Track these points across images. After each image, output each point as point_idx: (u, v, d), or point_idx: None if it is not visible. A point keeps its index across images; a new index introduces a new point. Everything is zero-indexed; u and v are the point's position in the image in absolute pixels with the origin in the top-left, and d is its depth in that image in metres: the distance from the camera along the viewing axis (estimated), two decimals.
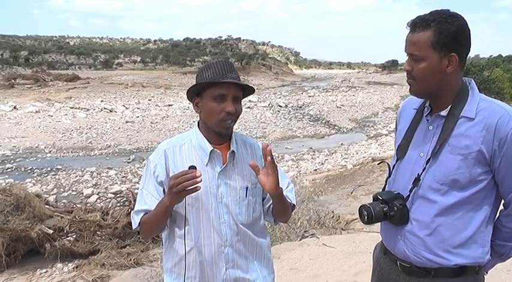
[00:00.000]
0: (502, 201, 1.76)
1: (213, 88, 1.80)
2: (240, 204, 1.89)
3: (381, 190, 1.93)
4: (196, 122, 1.96)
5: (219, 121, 1.82)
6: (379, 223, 1.97)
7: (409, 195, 1.76)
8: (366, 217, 1.78)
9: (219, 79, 1.79)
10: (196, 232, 1.85)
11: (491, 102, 1.69)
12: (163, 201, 1.73)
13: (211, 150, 1.86)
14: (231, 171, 1.89)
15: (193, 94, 1.88)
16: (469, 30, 1.67)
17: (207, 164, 1.86)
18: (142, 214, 1.85)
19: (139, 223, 1.85)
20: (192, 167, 1.65)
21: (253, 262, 1.96)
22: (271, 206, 1.99)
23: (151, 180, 1.87)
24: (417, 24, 1.66)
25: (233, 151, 1.90)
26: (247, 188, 1.91)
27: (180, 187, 1.61)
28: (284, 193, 1.93)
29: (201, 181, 1.62)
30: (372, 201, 1.85)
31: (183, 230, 1.84)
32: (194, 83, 1.85)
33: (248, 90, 1.90)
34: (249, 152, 1.97)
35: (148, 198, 1.84)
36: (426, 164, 1.72)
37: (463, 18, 1.66)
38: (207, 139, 1.88)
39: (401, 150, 1.85)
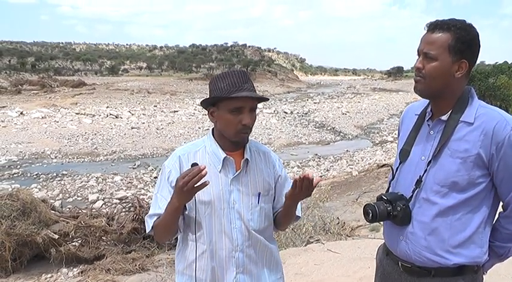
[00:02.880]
0: (501, 203, 1.80)
1: (230, 101, 1.82)
2: (252, 210, 1.93)
3: None
4: (211, 129, 2.00)
5: (236, 133, 1.85)
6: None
7: (411, 196, 1.81)
8: (370, 215, 1.82)
9: (236, 92, 1.81)
10: (209, 236, 1.88)
11: (489, 109, 1.76)
12: (173, 202, 1.75)
13: (225, 157, 1.90)
14: (244, 178, 1.93)
15: (208, 104, 1.91)
16: (480, 42, 1.75)
17: (220, 170, 1.90)
18: (155, 218, 1.88)
19: (152, 227, 1.89)
20: (194, 164, 1.68)
21: (263, 268, 1.99)
22: (276, 214, 2.05)
23: (165, 185, 1.90)
24: (438, 26, 1.73)
25: (247, 159, 1.93)
26: (259, 194, 1.94)
27: (190, 184, 1.64)
28: None
29: (206, 174, 1.63)
30: (376, 201, 1.89)
31: (196, 234, 1.88)
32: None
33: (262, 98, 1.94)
34: (262, 159, 2.01)
35: (162, 203, 1.87)
36: (427, 167, 1.77)
37: (477, 30, 1.74)
38: (220, 146, 1.92)
39: (404, 154, 1.90)
